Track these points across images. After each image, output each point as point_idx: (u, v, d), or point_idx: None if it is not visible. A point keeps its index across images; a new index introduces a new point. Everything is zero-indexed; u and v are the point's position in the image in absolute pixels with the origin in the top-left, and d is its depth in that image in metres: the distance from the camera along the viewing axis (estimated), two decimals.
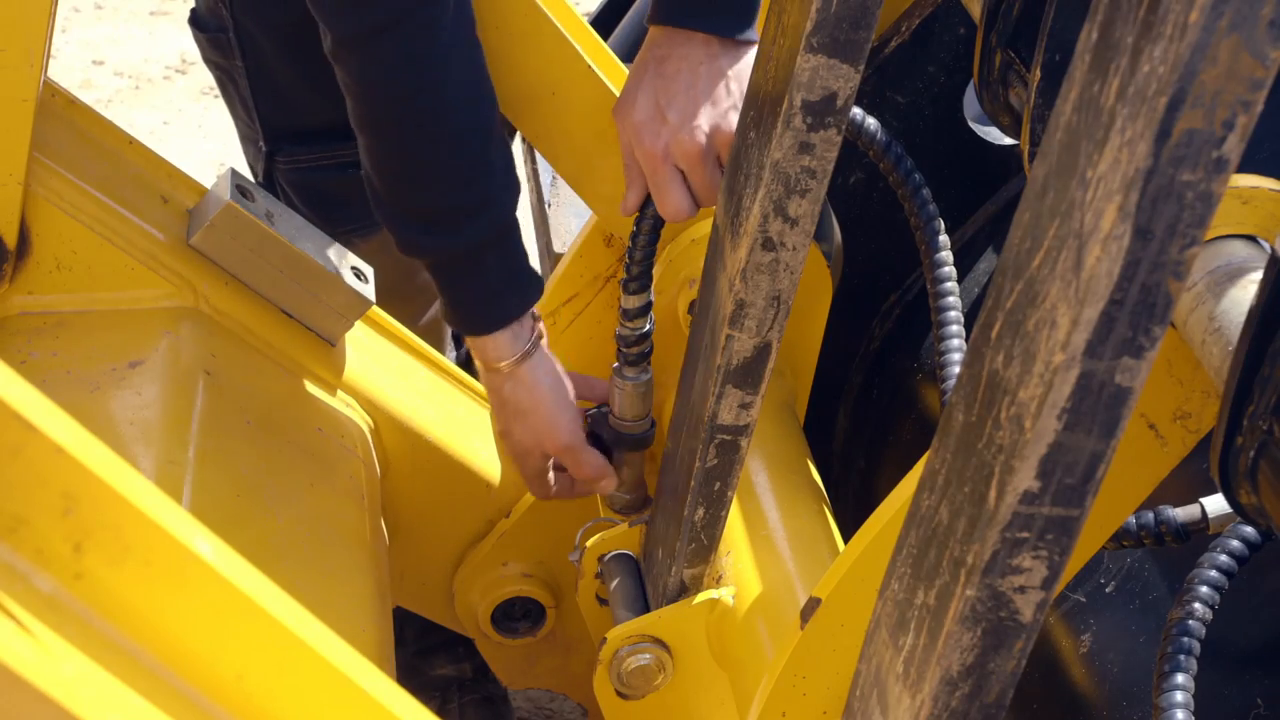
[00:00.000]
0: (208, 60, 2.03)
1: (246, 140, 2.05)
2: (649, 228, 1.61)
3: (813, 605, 1.32)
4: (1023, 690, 1.06)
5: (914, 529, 0.98)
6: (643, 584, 1.66)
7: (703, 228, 1.75)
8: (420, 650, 2.24)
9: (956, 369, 1.50)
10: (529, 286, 1.63)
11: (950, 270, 1.53)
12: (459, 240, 1.56)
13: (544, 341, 1.65)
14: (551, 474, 1.73)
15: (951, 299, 1.51)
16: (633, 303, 1.62)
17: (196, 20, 2.01)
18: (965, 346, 1.49)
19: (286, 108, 1.97)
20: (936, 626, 0.92)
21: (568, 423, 1.67)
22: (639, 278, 1.61)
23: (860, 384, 2.10)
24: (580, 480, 1.72)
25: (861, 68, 1.25)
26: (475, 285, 1.59)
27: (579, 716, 2.55)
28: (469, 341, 1.66)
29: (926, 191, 1.58)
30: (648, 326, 1.64)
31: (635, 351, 1.64)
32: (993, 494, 0.85)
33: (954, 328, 1.50)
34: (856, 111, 1.57)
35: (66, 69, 4.42)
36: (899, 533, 1.00)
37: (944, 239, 1.55)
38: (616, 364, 1.67)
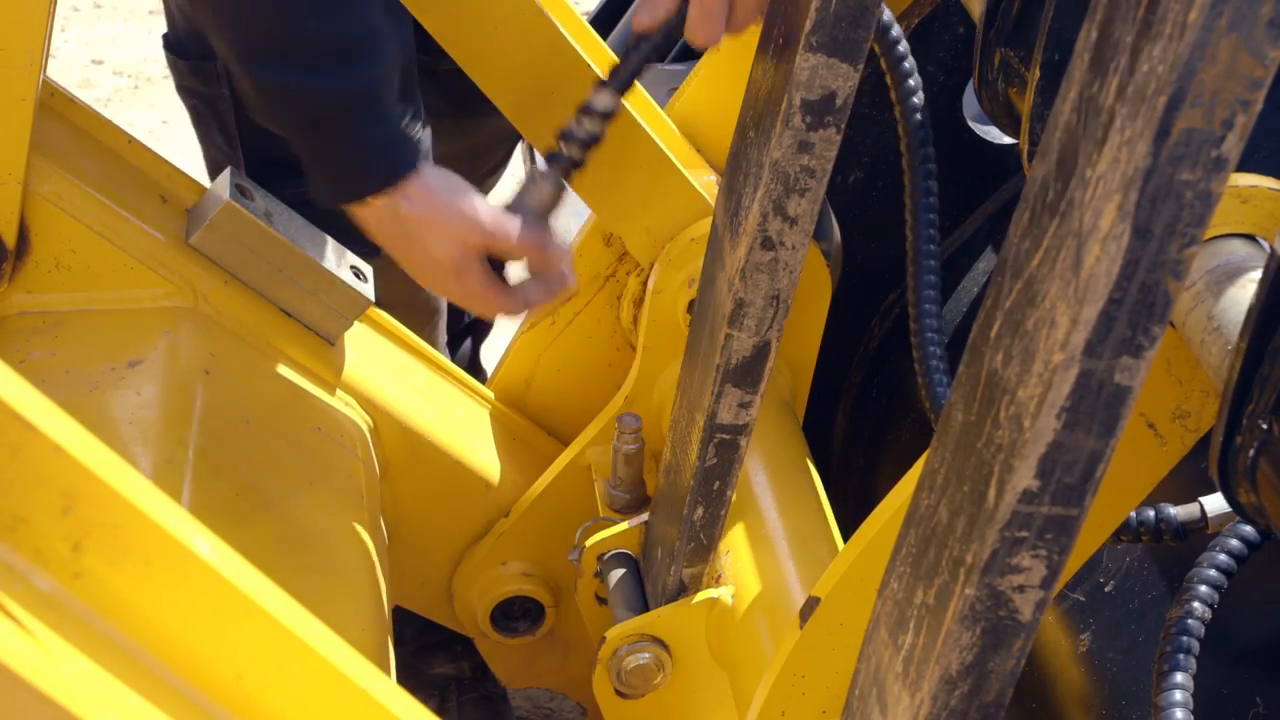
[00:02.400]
0: (183, 88, 1.96)
1: (223, 168, 2.00)
2: (657, 42, 1.54)
3: (812, 604, 1.32)
4: (1022, 689, 1.06)
5: (913, 528, 0.98)
6: (642, 583, 1.66)
7: (702, 227, 1.75)
8: (418, 649, 2.24)
9: (931, 336, 1.50)
10: (406, 144, 1.52)
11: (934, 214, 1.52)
12: (344, 83, 1.44)
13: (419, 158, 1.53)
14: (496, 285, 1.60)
15: (933, 246, 1.51)
16: (604, 102, 1.54)
17: (174, 47, 1.94)
18: (938, 311, 1.51)
19: (272, 134, 1.94)
20: (936, 625, 0.92)
21: (479, 203, 1.54)
22: (627, 80, 1.55)
23: (860, 383, 2.10)
24: (533, 263, 1.60)
25: (861, 67, 1.25)
26: (357, 139, 1.49)
27: (578, 716, 2.55)
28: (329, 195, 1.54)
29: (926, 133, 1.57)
30: (601, 135, 1.56)
31: (577, 156, 1.56)
32: (992, 493, 0.85)
33: (931, 277, 1.50)
34: (887, 15, 1.54)
35: (66, 68, 4.42)
36: (898, 532, 1.01)
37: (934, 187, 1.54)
38: (547, 157, 1.57)
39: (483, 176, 2.41)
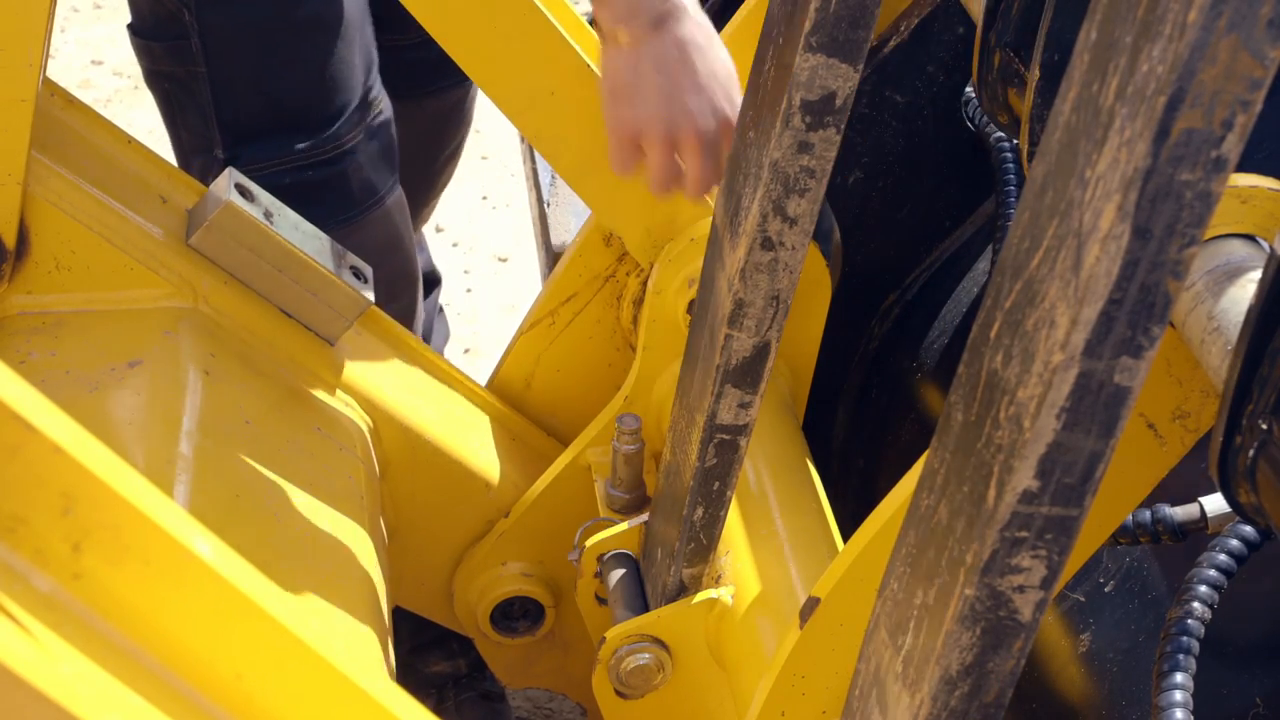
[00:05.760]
0: (157, 73, 1.97)
1: (196, 152, 1.99)
2: None
3: (812, 605, 1.32)
4: (1022, 689, 1.06)
5: (913, 528, 0.98)
6: (642, 583, 1.66)
7: (702, 227, 1.75)
8: (414, 647, 2.24)
9: None
10: None
11: None
12: None
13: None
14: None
15: None
16: None
17: (145, 32, 1.95)
18: None
19: (251, 107, 1.95)
20: (935, 626, 0.92)
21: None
22: None
23: (860, 384, 2.10)
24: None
25: (860, 67, 1.25)
26: None
27: (578, 716, 2.55)
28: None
29: None
30: None
31: None
32: (992, 493, 0.85)
33: None
34: None
35: (65, 69, 4.42)
36: (898, 532, 1.01)
37: None
38: None
39: (443, 162, 2.43)
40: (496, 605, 1.95)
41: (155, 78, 1.99)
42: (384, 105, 2.05)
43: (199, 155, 1.99)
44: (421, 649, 2.25)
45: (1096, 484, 0.83)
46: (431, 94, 2.29)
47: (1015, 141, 1.75)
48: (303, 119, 1.94)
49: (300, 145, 1.94)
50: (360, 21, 1.99)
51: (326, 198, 1.94)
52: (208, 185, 1.97)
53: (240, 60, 1.92)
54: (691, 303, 1.77)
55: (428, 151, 2.35)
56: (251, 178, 1.92)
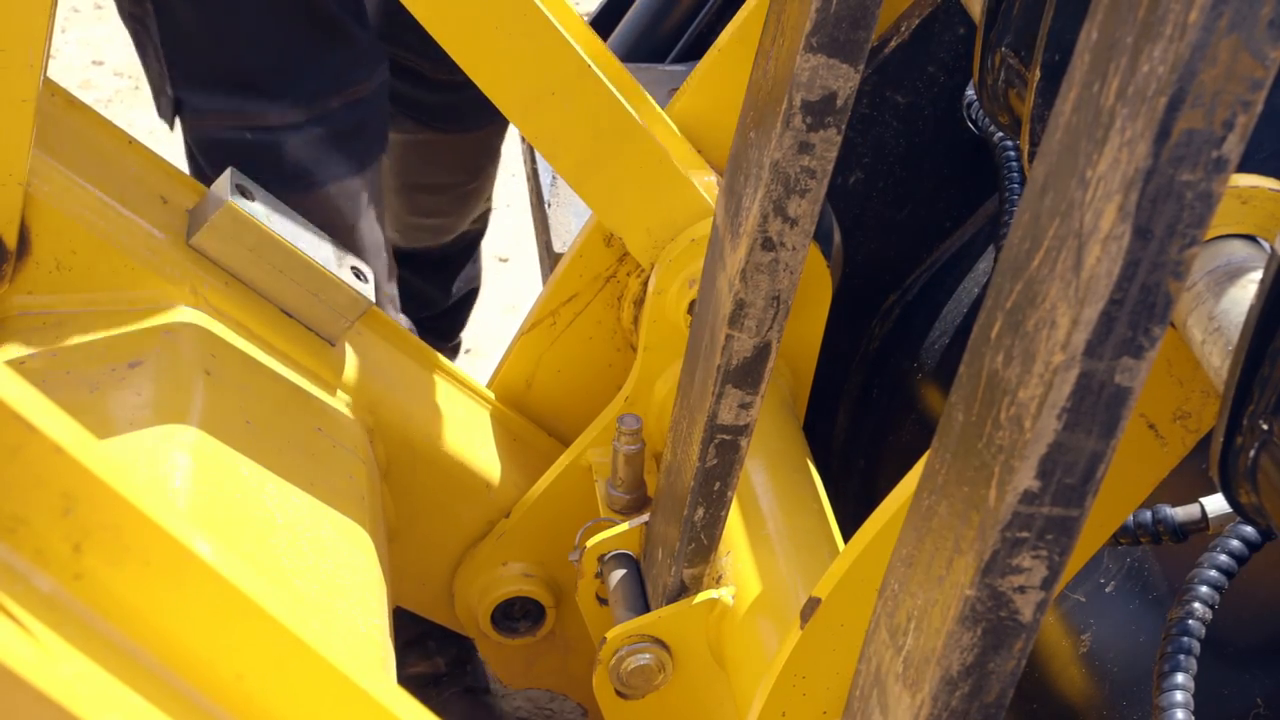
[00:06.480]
0: (124, 12, 2.02)
1: (158, 92, 2.03)
2: None
3: (812, 605, 1.32)
4: (1023, 690, 1.06)
5: (913, 528, 0.98)
6: (643, 584, 1.66)
7: (702, 228, 1.75)
8: None
9: None
10: None
11: None
12: None
13: None
14: None
15: None
16: None
17: None
18: None
19: (193, 52, 1.96)
20: (936, 626, 0.92)
21: None
22: None
23: (860, 384, 2.10)
24: None
25: (861, 67, 1.25)
26: None
27: (579, 716, 2.55)
28: None
29: None
30: None
31: None
32: (992, 494, 0.85)
33: None
34: None
35: (66, 69, 4.42)
36: (899, 532, 1.01)
37: None
38: None
39: (462, 189, 2.45)
40: (497, 605, 1.95)
41: (124, 16, 2.04)
42: (362, 91, 2.02)
43: (160, 96, 2.02)
44: (397, 651, 2.24)
45: (1097, 484, 0.83)
46: (457, 131, 2.31)
47: (1017, 141, 1.75)
48: (247, 79, 1.94)
49: (242, 104, 1.94)
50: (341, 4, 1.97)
51: (255, 166, 1.92)
52: (169, 126, 1.98)
53: (177, 5, 1.93)
54: (692, 303, 1.77)
55: (454, 177, 2.38)
56: (198, 131, 1.93)
